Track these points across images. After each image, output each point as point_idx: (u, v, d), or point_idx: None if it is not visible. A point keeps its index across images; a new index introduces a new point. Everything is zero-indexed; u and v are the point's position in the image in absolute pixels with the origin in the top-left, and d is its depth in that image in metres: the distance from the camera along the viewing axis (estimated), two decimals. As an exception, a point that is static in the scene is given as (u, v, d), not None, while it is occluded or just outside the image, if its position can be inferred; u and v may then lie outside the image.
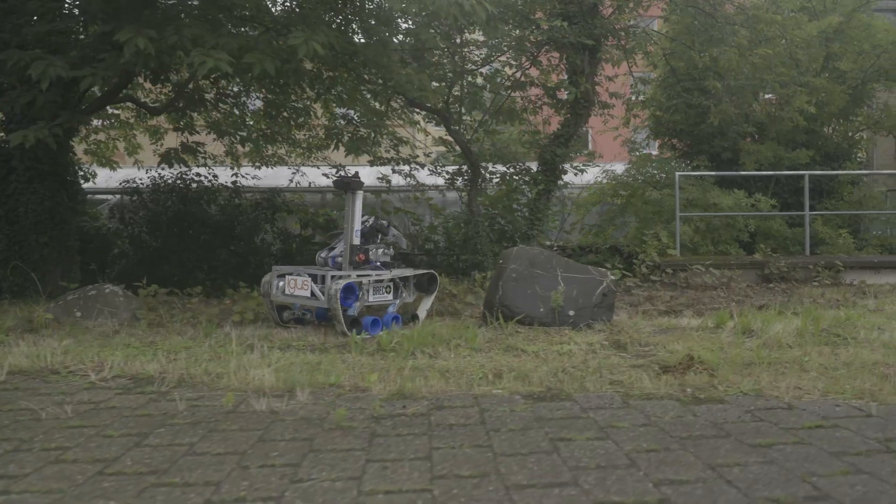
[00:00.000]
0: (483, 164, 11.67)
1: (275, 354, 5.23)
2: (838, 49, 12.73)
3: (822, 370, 4.49)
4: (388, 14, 7.70)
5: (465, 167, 11.31)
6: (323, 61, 7.32)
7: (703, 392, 4.06)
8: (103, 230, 13.29)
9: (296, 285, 6.10)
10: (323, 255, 6.55)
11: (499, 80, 11.56)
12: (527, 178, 11.33)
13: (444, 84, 10.50)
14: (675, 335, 5.62)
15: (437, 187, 12.70)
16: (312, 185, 13.36)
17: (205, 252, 12.31)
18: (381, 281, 6.35)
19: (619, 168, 13.59)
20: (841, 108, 12.52)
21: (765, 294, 8.27)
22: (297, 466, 2.96)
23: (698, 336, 5.56)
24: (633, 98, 13.62)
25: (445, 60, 10.89)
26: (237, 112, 12.40)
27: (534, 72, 11.76)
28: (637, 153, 14.27)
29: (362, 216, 6.59)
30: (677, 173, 10.82)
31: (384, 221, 6.97)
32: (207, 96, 10.19)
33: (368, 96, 9.86)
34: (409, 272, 6.73)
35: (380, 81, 8.51)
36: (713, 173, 11.85)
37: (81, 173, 14.47)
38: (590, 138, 24.89)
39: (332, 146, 11.12)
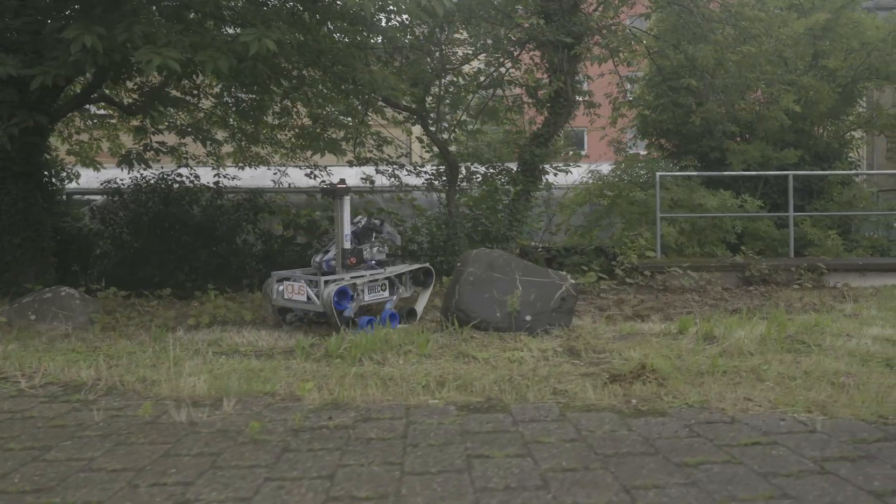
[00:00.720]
0: (465, 164, 11.47)
1: (219, 360, 5.07)
2: (826, 47, 12.47)
3: (779, 380, 4.29)
4: (353, 12, 7.49)
5: (443, 167, 11.12)
6: (287, 59, 7.14)
7: (647, 403, 3.87)
8: (85, 231, 13.16)
9: (293, 290, 6.26)
10: (318, 259, 6.62)
11: (482, 78, 11.37)
12: (506, 179, 11.12)
13: (421, 83, 10.29)
14: (635, 341, 5.42)
15: (419, 188, 12.52)
16: (292, 186, 13.19)
17: (185, 253, 12.18)
18: (377, 279, 6.46)
19: (606, 168, 13.37)
20: (830, 106, 12.27)
21: (742, 297, 8.05)
22: (190, 485, 2.79)
23: (658, 342, 5.35)
24: (620, 97, 13.38)
25: (429, 59, 10.72)
26: (219, 112, 12.24)
27: (516, 71, 11.57)
28: (624, 153, 14.04)
29: (356, 216, 6.80)
30: (658, 173, 10.60)
31: (377, 220, 7.04)
32: (176, 95, 9.98)
33: (345, 95, 9.65)
34: (403, 268, 6.81)
35: (350, 80, 8.31)
36: (694, 174, 11.62)
37: (65, 174, 14.37)
38: (585, 139, 24.72)
39: (305, 147, 10.96)
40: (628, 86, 13.44)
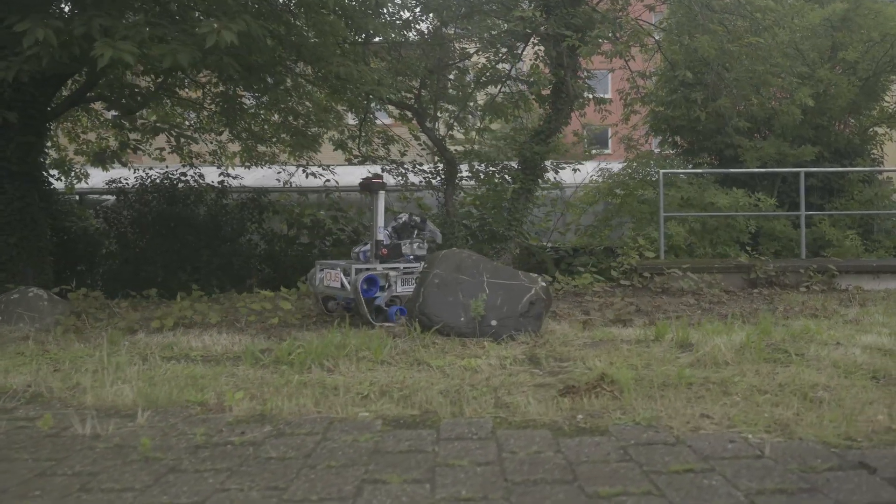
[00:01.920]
0: (467, 161, 11.17)
1: (164, 366, 4.84)
2: (845, 38, 11.87)
3: (747, 393, 3.92)
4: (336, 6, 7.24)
5: (441, 166, 10.82)
6: (262, 53, 6.91)
7: (592, 420, 3.53)
8: (91, 231, 13.14)
9: (330, 277, 6.63)
10: (356, 249, 7.00)
11: (486, 75, 11.06)
12: (510, 177, 10.79)
13: (416, 79, 10.01)
14: (604, 349, 5.07)
15: (424, 186, 12.26)
16: (293, 185, 13.01)
17: (189, 253, 12.07)
18: (412, 272, 6.65)
19: (617, 166, 12.96)
20: (851, 101, 11.68)
21: (741, 301, 7.61)
22: (43, 512, 2.53)
23: (629, 350, 5.00)
24: (632, 93, 12.94)
25: (425, 54, 10.43)
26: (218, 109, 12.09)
27: (520, 67, 11.23)
28: (636, 150, 13.59)
29: (399, 214, 7.29)
30: (661, 171, 10.18)
31: (418, 217, 7.29)
32: (165, 92, 9.82)
33: (333, 91, 9.39)
34: None
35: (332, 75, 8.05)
36: (700, 171, 11.16)
37: (73, 173, 14.37)
38: (609, 137, 24.19)
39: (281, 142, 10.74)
40: (640, 81, 13.00)
